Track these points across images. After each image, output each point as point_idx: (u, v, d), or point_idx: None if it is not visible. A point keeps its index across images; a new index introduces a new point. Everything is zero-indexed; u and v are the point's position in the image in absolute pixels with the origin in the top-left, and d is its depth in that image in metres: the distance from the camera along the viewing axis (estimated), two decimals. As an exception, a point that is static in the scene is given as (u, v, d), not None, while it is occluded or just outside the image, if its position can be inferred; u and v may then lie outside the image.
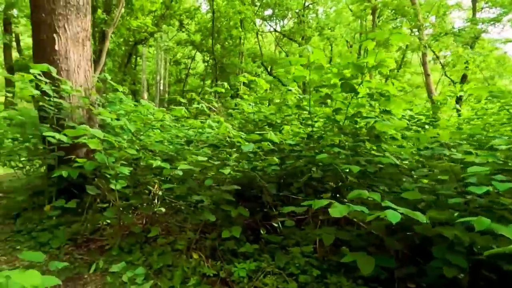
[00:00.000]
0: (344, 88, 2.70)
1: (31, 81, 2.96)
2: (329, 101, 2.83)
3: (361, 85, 2.70)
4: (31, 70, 2.74)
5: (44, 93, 3.16)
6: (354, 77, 2.77)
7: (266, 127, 4.05)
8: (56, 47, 3.50)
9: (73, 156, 2.81)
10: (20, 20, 14.10)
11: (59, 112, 3.37)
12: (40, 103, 3.30)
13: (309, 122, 3.18)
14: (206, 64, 24.39)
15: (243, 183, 2.86)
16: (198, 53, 23.71)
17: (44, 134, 2.77)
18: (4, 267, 2.37)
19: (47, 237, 2.79)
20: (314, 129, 3.57)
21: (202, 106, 3.07)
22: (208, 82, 25.19)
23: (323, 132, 3.22)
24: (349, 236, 2.34)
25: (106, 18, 8.39)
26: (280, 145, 3.16)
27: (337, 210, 1.59)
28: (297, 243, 2.47)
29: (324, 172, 2.87)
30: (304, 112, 4.30)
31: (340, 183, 2.93)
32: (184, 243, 2.45)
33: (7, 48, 12.99)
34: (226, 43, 18.69)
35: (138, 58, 23.16)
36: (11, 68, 12.97)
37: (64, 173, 2.89)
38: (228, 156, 2.71)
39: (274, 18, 21.60)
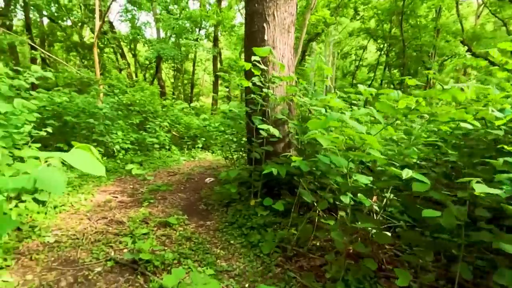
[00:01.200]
0: None
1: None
2: None
3: None
4: (252, 57, 2.59)
5: (254, 84, 3.06)
6: None
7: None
8: (265, 37, 3.36)
9: (288, 154, 2.42)
10: (222, 35, 17.49)
11: (266, 103, 3.21)
12: (249, 96, 3.26)
13: None
14: (380, 52, 21.78)
15: None
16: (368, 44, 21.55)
17: (258, 126, 2.57)
18: (224, 265, 2.27)
19: (256, 238, 2.59)
20: None
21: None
22: (379, 72, 22.47)
23: None
24: None
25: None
26: None
27: None
28: None
29: None
30: None
31: None
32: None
33: (215, 59, 16.49)
34: (407, 25, 15.56)
35: (306, 56, 23.85)
36: (216, 75, 16.39)
37: (274, 171, 2.59)
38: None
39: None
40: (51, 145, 5.28)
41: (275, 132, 2.55)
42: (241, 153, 4.71)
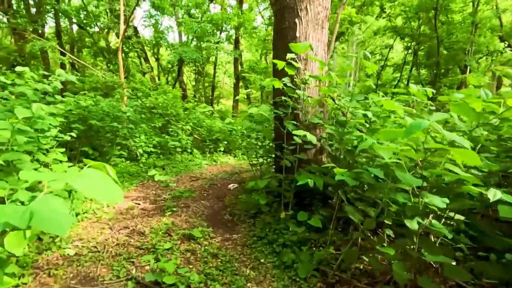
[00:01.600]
0: None
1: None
2: None
3: None
4: (288, 55, 2.32)
5: (286, 85, 2.79)
6: None
7: None
8: (297, 33, 3.08)
9: (331, 165, 2.12)
10: (243, 37, 17.38)
11: (300, 106, 2.93)
12: (279, 98, 3.00)
13: None
14: (406, 51, 20.81)
15: None
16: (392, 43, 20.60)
17: (293, 132, 2.29)
18: (256, 290, 2.00)
19: (290, 257, 2.31)
20: None
21: None
22: (405, 72, 21.43)
23: None
24: None
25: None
26: None
27: None
28: None
29: None
30: None
31: None
32: None
33: (236, 61, 16.39)
34: (437, 22, 14.63)
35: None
36: (237, 77, 16.27)
37: (310, 183, 2.30)
38: None
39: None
40: (76, 148, 5.28)
41: (312, 139, 2.26)
42: (265, 158, 4.44)
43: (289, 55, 2.30)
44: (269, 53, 21.18)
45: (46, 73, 3.50)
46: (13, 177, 2.53)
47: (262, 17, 21.60)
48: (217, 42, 15.91)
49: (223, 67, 23.71)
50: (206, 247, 2.57)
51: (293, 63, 2.37)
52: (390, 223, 2.21)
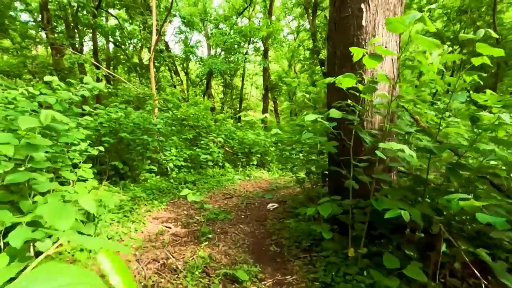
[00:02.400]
0: None
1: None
2: None
3: None
4: (373, 39, 1.71)
5: (349, 89, 2.17)
6: None
7: None
8: (363, 22, 2.47)
9: (456, 197, 1.45)
10: (272, 47, 17.09)
11: (363, 112, 2.29)
12: (339, 102, 2.38)
13: None
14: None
15: None
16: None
17: (381, 145, 1.64)
18: None
19: (378, 323, 1.63)
20: None
21: None
22: (447, 75, 19.85)
23: None
24: None
25: None
26: None
27: None
28: None
29: None
30: None
31: None
32: None
33: (265, 71, 16.05)
34: (483, 23, 13.26)
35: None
36: (266, 87, 15.89)
37: (405, 216, 1.64)
38: None
39: None
40: (106, 163, 4.99)
41: (413, 155, 1.60)
42: (315, 175, 3.79)
43: (375, 39, 1.68)
44: (299, 63, 20.69)
45: (72, 81, 3.18)
46: (27, 201, 2.12)
47: (290, 28, 21.29)
48: (245, 53, 15.72)
49: (251, 79, 23.58)
50: (256, 297, 1.96)
51: (379, 51, 1.74)
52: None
